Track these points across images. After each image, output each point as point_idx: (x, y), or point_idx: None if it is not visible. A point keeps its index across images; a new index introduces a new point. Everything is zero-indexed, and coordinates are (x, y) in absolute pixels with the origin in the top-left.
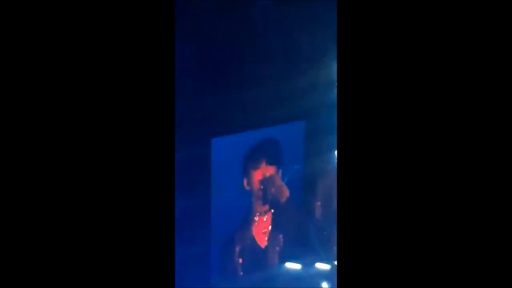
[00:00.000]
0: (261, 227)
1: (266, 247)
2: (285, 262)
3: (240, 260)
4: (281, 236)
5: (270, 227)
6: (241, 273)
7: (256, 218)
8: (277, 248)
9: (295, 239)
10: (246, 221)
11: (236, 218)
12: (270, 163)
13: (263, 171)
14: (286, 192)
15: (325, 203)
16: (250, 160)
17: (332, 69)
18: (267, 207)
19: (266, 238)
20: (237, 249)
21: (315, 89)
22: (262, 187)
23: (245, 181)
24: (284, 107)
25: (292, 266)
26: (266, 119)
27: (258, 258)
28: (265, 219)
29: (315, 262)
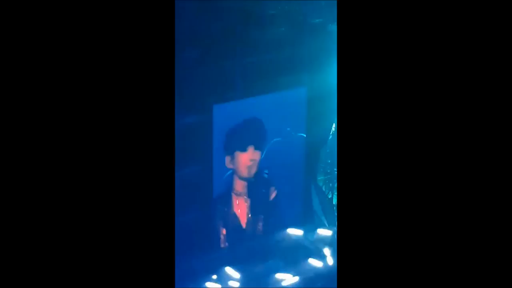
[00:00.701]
0: (237, 208)
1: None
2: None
3: (224, 231)
4: (260, 221)
5: (247, 214)
6: (225, 245)
7: (234, 198)
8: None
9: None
10: (228, 196)
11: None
12: (257, 148)
13: (250, 156)
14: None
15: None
16: (237, 141)
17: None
18: (245, 189)
19: (245, 221)
20: (221, 222)
21: (317, 56)
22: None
23: (227, 159)
24: (286, 73)
25: (294, 232)
26: (268, 85)
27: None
28: (237, 203)
29: (316, 228)
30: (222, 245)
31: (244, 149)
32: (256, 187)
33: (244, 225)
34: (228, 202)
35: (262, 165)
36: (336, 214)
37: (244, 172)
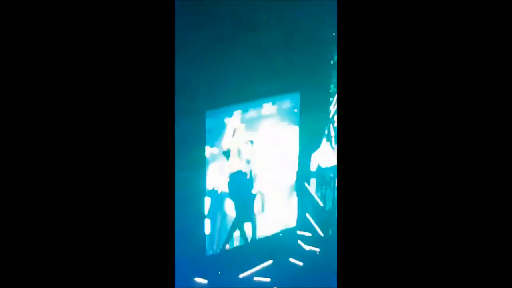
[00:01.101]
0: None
1: None
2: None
3: None
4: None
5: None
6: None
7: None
8: None
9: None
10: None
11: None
12: None
13: None
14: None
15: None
16: None
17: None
18: None
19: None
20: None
21: (311, 62)
22: None
23: None
24: (280, 78)
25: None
26: (260, 90)
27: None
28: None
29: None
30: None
31: None
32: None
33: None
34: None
35: None
36: (328, 220)
37: None
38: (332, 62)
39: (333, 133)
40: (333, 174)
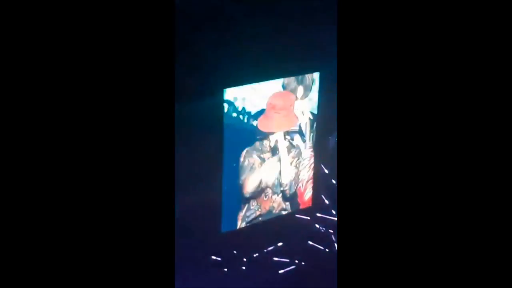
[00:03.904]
0: None
1: None
2: None
3: None
4: None
5: None
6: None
7: None
8: None
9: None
10: None
11: None
12: None
13: None
14: None
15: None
16: None
17: None
18: None
19: None
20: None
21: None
22: None
23: None
24: (299, 57)
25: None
26: (280, 69)
27: None
28: None
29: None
30: None
31: None
32: None
33: None
34: None
35: None
36: None
37: None
38: None
39: None
40: None
